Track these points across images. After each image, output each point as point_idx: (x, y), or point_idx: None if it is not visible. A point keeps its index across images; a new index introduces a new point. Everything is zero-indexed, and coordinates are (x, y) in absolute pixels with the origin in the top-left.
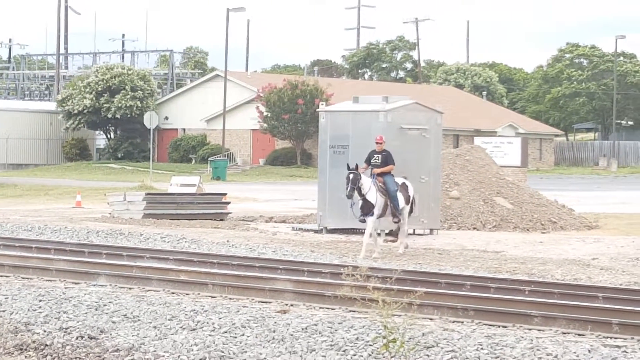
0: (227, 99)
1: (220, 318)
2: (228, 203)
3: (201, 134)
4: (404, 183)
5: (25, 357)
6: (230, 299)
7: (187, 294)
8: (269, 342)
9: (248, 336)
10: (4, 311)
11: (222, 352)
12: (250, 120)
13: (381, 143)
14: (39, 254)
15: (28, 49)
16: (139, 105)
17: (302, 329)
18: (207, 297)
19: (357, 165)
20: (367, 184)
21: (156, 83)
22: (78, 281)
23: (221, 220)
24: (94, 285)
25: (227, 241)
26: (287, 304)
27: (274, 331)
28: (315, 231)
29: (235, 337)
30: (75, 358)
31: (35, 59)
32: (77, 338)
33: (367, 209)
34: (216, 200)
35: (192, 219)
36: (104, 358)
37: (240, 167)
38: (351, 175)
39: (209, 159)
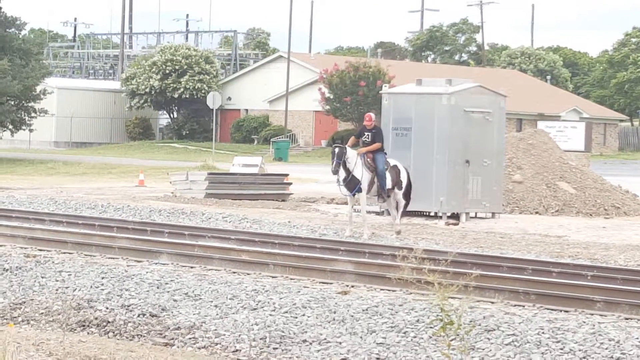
0: (290, 80)
1: (281, 298)
2: (290, 184)
3: (264, 115)
4: (395, 166)
5: (88, 333)
6: (291, 279)
7: (248, 274)
8: (329, 322)
9: (308, 316)
10: (67, 288)
11: (283, 331)
12: (312, 101)
13: (370, 122)
14: (102, 231)
15: (93, 28)
16: (205, 87)
17: (363, 310)
18: (268, 277)
19: (341, 140)
20: (353, 158)
21: (219, 63)
22: (140, 259)
23: (283, 201)
24: (156, 263)
25: (289, 222)
26: (347, 285)
27: (335, 312)
28: (377, 213)
29: (296, 317)
30: (137, 335)
31: (99, 38)
32: (138, 315)
33: (352, 184)
34: (278, 181)
35: (254, 199)
36: (165, 335)
37: (302, 148)
38: (336, 149)
39: (271, 139)
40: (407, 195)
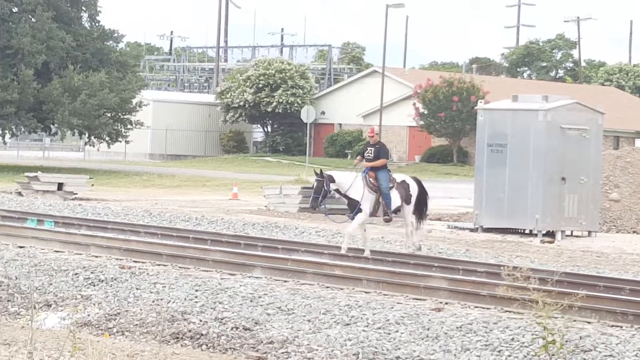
0: (384, 95)
1: (374, 314)
2: None
3: (357, 130)
4: (404, 181)
5: (182, 345)
6: (385, 295)
7: (341, 289)
8: (422, 339)
9: (402, 333)
10: (161, 299)
11: (376, 347)
12: (406, 116)
13: (373, 135)
14: (196, 244)
15: (189, 41)
16: (298, 101)
17: (457, 327)
18: (361, 293)
19: (321, 171)
20: (348, 181)
21: (313, 78)
22: (234, 272)
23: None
24: (250, 276)
25: (382, 237)
26: (441, 302)
27: (428, 329)
28: (471, 229)
29: (389, 334)
30: (230, 348)
31: (195, 51)
32: (232, 329)
33: (351, 206)
34: None
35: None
36: (258, 349)
37: (395, 163)
38: (315, 183)
39: None
40: (423, 204)
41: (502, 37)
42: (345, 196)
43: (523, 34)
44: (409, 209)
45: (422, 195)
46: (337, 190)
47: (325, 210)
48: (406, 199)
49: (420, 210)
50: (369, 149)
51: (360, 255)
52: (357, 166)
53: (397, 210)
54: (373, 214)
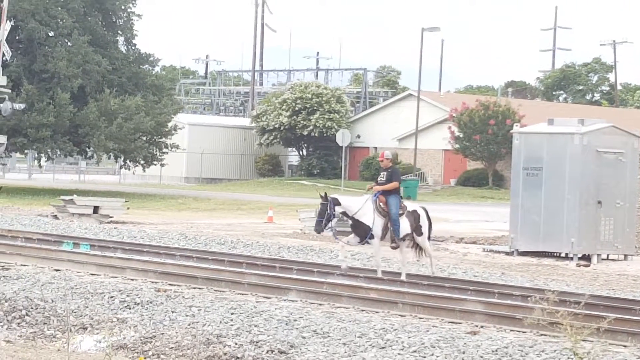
0: (419, 119)
1: (409, 337)
2: None
3: (393, 153)
4: (415, 210)
5: None
6: (420, 318)
7: (376, 312)
8: None
9: (437, 356)
10: (197, 322)
11: None
12: (442, 140)
13: (382, 160)
14: (231, 267)
15: (224, 65)
16: (334, 125)
17: (492, 351)
18: (396, 316)
19: (325, 195)
20: (356, 205)
21: (349, 101)
22: (269, 295)
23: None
24: (285, 300)
25: (417, 260)
26: (477, 325)
27: (464, 352)
28: (507, 253)
29: (425, 357)
30: None
31: (230, 75)
32: (267, 352)
33: (360, 231)
34: None
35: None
36: None
37: (431, 187)
38: (319, 207)
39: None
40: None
41: (537, 61)
42: (355, 219)
43: (559, 57)
44: (423, 239)
45: (430, 227)
46: (345, 214)
47: (333, 233)
48: (416, 229)
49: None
50: (382, 173)
51: (397, 278)
52: (369, 191)
53: (406, 237)
54: (382, 238)
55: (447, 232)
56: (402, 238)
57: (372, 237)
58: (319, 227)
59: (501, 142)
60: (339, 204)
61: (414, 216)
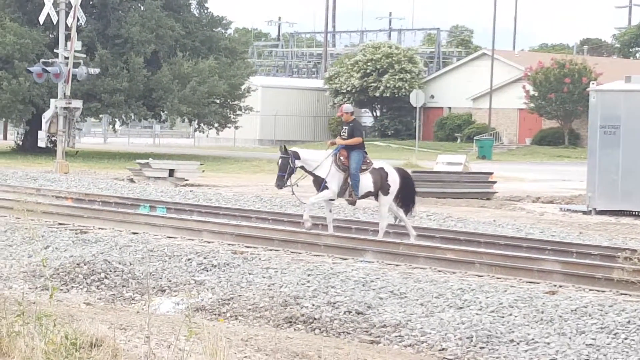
0: (493, 78)
1: (487, 297)
2: (494, 182)
3: (467, 113)
4: (382, 168)
5: (295, 330)
6: (498, 278)
7: (453, 272)
8: (536, 322)
9: (515, 316)
10: (273, 284)
11: (489, 331)
12: (516, 99)
13: (342, 115)
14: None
15: (296, 27)
16: (406, 86)
17: (571, 310)
18: (473, 276)
19: (285, 147)
20: (317, 158)
21: (422, 62)
22: (345, 257)
23: (487, 199)
24: (361, 261)
25: (494, 220)
26: (555, 285)
27: (542, 312)
28: (584, 212)
29: (503, 317)
30: (343, 332)
31: (303, 37)
32: (344, 313)
33: (317, 184)
34: (482, 180)
35: (457, 198)
36: (371, 333)
37: (506, 146)
38: (280, 161)
39: (475, 137)
40: (408, 199)
41: (613, 17)
42: (311, 174)
43: (635, 13)
44: (386, 199)
45: (408, 188)
46: (303, 167)
47: (292, 188)
48: (382, 187)
49: (406, 203)
50: (344, 127)
51: (472, 239)
52: (331, 146)
53: (368, 195)
54: (340, 194)
55: (524, 191)
56: (363, 196)
57: (325, 188)
58: (281, 183)
59: (577, 101)
60: (298, 157)
61: (380, 174)
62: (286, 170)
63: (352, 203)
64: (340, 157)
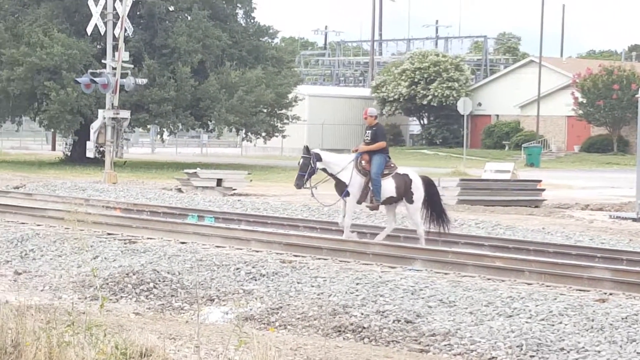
0: (541, 85)
1: (537, 305)
2: (543, 190)
3: (515, 120)
4: (406, 174)
5: (344, 339)
6: (547, 286)
7: (502, 281)
8: (587, 330)
9: (565, 324)
10: (322, 293)
11: (539, 339)
12: (564, 106)
13: (366, 117)
14: (356, 237)
15: (343, 35)
16: (454, 94)
17: (622, 318)
18: (523, 284)
19: (307, 148)
20: (341, 163)
21: (469, 69)
22: (394, 265)
23: (536, 207)
24: (410, 269)
25: (543, 228)
26: (605, 293)
27: (593, 320)
28: (634, 219)
29: (553, 325)
30: (392, 341)
31: (349, 45)
32: (393, 321)
33: (339, 188)
34: (531, 187)
35: (506, 206)
36: (420, 342)
37: (554, 153)
38: (301, 160)
39: (523, 145)
40: (437, 208)
41: None
42: (334, 177)
43: None
44: (413, 207)
45: (432, 197)
46: (325, 170)
47: (311, 190)
48: (405, 194)
49: (436, 210)
50: (367, 132)
51: (521, 247)
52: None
53: (391, 201)
54: (361, 199)
55: (572, 199)
56: (385, 201)
57: (347, 194)
58: (300, 182)
59: (626, 107)
60: (320, 159)
61: (404, 180)
62: (306, 170)
63: (373, 208)
64: (361, 162)
